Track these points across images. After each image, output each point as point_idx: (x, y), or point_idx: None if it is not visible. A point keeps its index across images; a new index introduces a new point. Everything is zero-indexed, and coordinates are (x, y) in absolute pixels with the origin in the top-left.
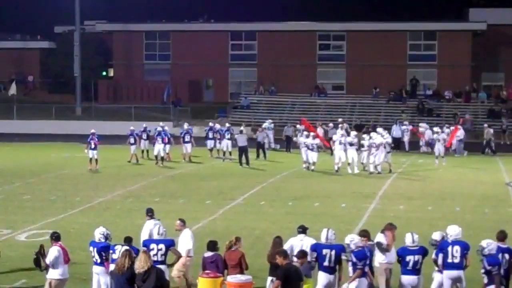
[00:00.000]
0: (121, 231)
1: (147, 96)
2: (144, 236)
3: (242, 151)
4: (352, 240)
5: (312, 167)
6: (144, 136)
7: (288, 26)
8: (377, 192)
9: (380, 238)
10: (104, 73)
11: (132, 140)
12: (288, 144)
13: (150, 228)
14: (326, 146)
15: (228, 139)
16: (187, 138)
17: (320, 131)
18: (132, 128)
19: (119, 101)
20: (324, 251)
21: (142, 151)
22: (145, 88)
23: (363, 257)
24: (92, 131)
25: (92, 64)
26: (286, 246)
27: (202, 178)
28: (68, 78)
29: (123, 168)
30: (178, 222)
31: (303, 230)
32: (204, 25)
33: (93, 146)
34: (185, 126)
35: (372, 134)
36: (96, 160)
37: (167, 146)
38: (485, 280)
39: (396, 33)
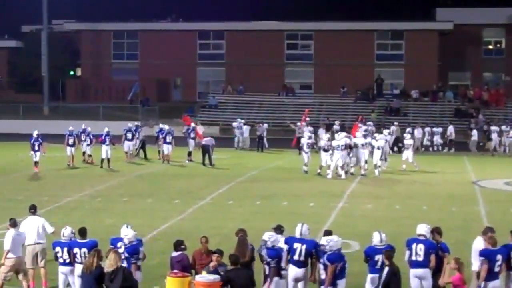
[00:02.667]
0: (89, 231)
1: (115, 95)
2: (24, 230)
3: (205, 151)
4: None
5: (354, 170)
6: (83, 137)
7: (256, 26)
8: (345, 191)
9: (479, 242)
10: (72, 73)
11: (71, 141)
12: (260, 143)
13: (29, 224)
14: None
15: (192, 138)
16: (168, 139)
17: (200, 129)
18: (71, 128)
19: (87, 100)
20: (295, 245)
21: (83, 153)
22: (113, 88)
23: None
24: (36, 132)
25: (60, 63)
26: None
27: (170, 177)
28: (35, 78)
29: (91, 167)
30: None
31: (279, 230)
32: (172, 24)
33: (36, 148)
34: (166, 126)
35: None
36: (37, 162)
37: (107, 148)
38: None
39: (363, 32)
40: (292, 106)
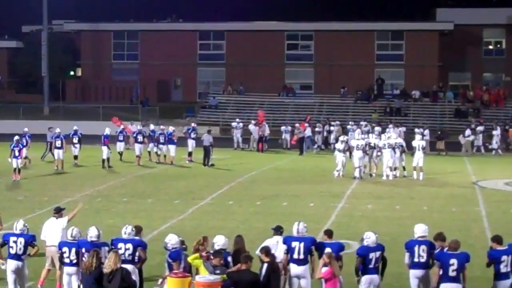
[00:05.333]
0: None
1: (115, 96)
2: (45, 231)
3: (206, 151)
4: (170, 240)
5: (399, 173)
6: (76, 139)
7: (256, 26)
8: (345, 191)
9: None
10: (72, 73)
11: (58, 144)
12: (259, 144)
13: (50, 226)
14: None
15: (193, 138)
16: (162, 139)
17: (133, 128)
18: (58, 130)
19: (87, 100)
20: (293, 243)
21: (75, 157)
22: (113, 88)
23: (177, 257)
24: (16, 137)
25: (60, 63)
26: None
27: (170, 177)
28: (35, 78)
29: (91, 168)
30: None
31: (279, 231)
32: (172, 24)
33: (17, 154)
34: (171, 128)
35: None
36: (19, 170)
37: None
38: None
39: (363, 33)
40: (293, 106)
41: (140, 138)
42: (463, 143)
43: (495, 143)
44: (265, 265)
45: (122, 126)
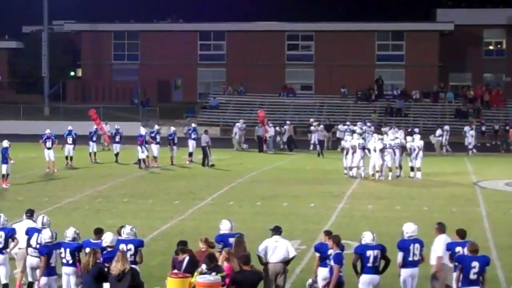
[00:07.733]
0: (90, 232)
1: (115, 96)
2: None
3: (203, 151)
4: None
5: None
6: (70, 140)
7: (256, 26)
8: (345, 192)
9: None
10: (72, 73)
11: (49, 145)
12: (260, 144)
13: (23, 228)
14: (107, 142)
15: (194, 139)
16: (175, 140)
17: (105, 127)
18: (48, 131)
19: (87, 101)
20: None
21: (67, 157)
22: (113, 88)
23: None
24: (7, 142)
25: (60, 64)
26: (260, 248)
27: (171, 178)
28: (36, 78)
29: (91, 168)
30: None
31: (277, 231)
32: (173, 25)
33: (5, 160)
34: (173, 128)
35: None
36: (8, 175)
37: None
38: None
39: (364, 33)
40: (293, 106)
41: (158, 138)
42: (434, 143)
43: (468, 143)
44: (187, 258)
45: (95, 127)
